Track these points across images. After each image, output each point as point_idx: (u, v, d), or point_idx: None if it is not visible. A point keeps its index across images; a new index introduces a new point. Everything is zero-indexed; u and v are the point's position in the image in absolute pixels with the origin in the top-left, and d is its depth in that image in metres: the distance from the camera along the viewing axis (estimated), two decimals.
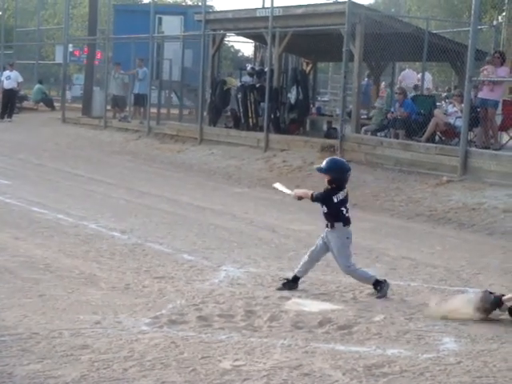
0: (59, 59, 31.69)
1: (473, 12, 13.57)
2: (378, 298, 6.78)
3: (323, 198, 6.84)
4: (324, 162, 6.96)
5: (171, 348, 5.30)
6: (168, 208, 11.58)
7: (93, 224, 9.89)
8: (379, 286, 6.87)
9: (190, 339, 5.50)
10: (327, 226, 6.89)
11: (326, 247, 6.92)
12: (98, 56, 29.96)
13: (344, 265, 6.88)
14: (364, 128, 16.72)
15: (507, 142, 15.77)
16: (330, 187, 6.86)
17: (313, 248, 7.02)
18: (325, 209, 6.85)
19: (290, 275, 7.16)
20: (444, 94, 20.76)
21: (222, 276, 7.47)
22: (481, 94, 14.54)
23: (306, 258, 7.02)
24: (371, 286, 6.92)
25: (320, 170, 6.97)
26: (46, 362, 4.92)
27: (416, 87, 20.06)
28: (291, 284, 7.00)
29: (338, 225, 6.82)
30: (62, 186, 13.60)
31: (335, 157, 7.14)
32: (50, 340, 5.33)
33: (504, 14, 27.03)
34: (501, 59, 14.60)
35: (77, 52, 34.55)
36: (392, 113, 16.19)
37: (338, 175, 6.82)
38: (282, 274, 7.39)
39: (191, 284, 7.10)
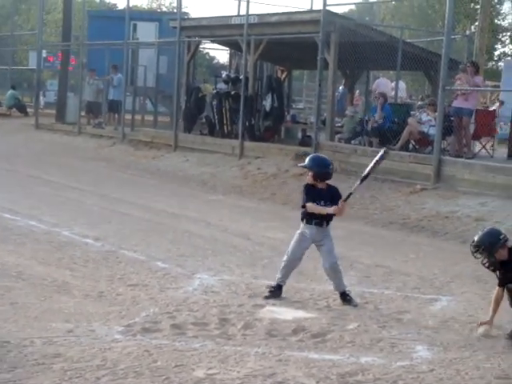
0: (33, 65, 31.45)
1: (446, 22, 13.70)
2: (354, 306, 6.83)
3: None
4: (307, 159, 7.11)
5: (144, 356, 5.27)
6: (142, 215, 11.54)
7: (66, 231, 9.82)
8: (348, 296, 6.94)
9: (163, 347, 5.48)
10: (321, 225, 6.93)
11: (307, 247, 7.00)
12: (72, 62, 29.82)
13: (335, 260, 6.95)
14: (337, 136, 16.79)
15: (479, 150, 15.92)
16: (310, 184, 6.94)
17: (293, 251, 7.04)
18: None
19: (266, 283, 7.18)
20: (418, 103, 20.88)
21: (196, 284, 7.45)
22: (455, 103, 14.67)
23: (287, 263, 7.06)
24: (338, 293, 6.99)
25: (304, 166, 7.11)
26: (18, 371, 4.86)
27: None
28: (277, 292, 7.03)
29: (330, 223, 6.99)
30: (35, 192, 13.49)
31: (317, 153, 7.31)
32: (21, 348, 5.27)
33: (477, 23, 27.29)
34: (474, 69, 14.75)
35: (51, 58, 34.35)
36: (373, 118, 16.17)
37: (320, 169, 6.95)
38: (256, 282, 7.38)
39: (165, 292, 7.07)
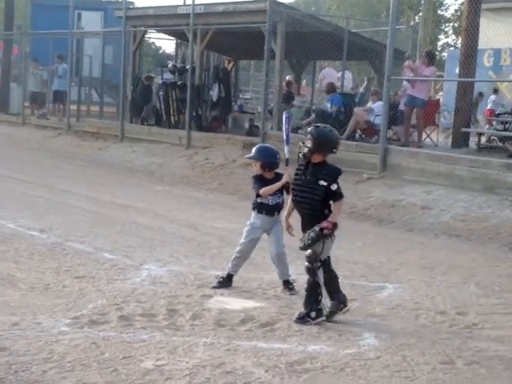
0: None
1: (391, 12, 13.83)
2: (292, 294, 6.89)
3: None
4: (253, 150, 7.13)
5: (92, 349, 5.23)
6: (89, 206, 11.42)
7: (11, 223, 9.67)
8: (291, 284, 7.00)
9: (111, 339, 5.44)
10: (272, 214, 6.98)
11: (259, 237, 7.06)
12: (15, 52, 29.29)
13: (282, 249, 7.00)
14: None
15: (425, 139, 16.12)
16: (258, 174, 6.99)
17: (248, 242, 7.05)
18: (281, 199, 6.97)
19: (214, 273, 7.18)
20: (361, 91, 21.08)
21: (144, 275, 7.41)
22: (411, 91, 14.80)
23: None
24: (283, 282, 7.04)
25: (251, 157, 7.12)
26: None
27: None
28: (227, 282, 7.05)
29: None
30: None
31: (262, 144, 7.37)
32: None
33: (420, 14, 27.61)
34: (429, 59, 14.94)
35: None
36: (330, 108, 16.23)
37: (267, 159, 6.99)
38: (205, 273, 7.38)
39: (112, 283, 7.02)
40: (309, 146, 6.14)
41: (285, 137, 7.12)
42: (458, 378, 5.04)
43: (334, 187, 6.07)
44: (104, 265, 7.72)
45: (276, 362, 5.14)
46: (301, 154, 6.23)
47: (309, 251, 6.12)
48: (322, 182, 6.08)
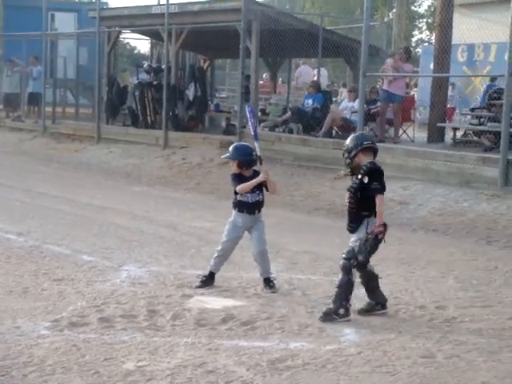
0: None
1: (365, 9, 13.87)
2: (272, 292, 6.89)
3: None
4: (230, 150, 7.13)
5: (72, 351, 5.20)
6: (66, 209, 11.36)
7: None
8: (272, 282, 7.01)
9: (91, 341, 5.42)
10: (253, 212, 6.99)
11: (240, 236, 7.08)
12: None
13: (264, 246, 7.01)
14: (262, 124, 16.84)
15: (401, 134, 16.20)
16: (237, 173, 7.00)
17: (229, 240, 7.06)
18: (261, 197, 6.99)
19: (194, 273, 7.19)
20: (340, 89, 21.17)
21: (124, 276, 7.38)
22: (387, 88, 14.84)
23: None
24: (264, 279, 7.04)
25: (228, 157, 7.13)
26: None
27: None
28: (209, 281, 7.05)
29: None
30: None
31: (238, 142, 7.41)
32: None
33: (394, 10, 27.75)
34: (406, 55, 15.02)
35: None
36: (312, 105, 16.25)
37: (244, 157, 6.99)
38: (184, 272, 7.37)
39: (92, 285, 6.99)
40: (345, 156, 6.28)
41: (252, 132, 7.15)
42: (439, 372, 5.07)
43: (365, 180, 6.15)
44: (83, 267, 7.69)
45: (257, 361, 5.14)
46: (348, 170, 6.40)
47: (348, 248, 6.19)
48: (359, 176, 6.21)
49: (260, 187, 6.97)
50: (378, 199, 6.14)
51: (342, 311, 6.13)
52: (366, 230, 6.13)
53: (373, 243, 6.12)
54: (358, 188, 6.20)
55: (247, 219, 7.01)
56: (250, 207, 6.99)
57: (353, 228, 6.25)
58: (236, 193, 7.00)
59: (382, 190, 6.19)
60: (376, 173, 6.20)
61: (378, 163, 6.33)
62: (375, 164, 6.27)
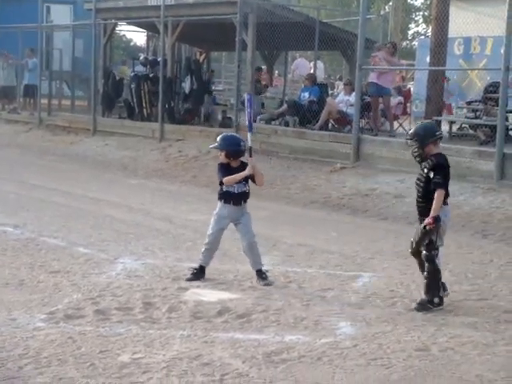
0: None
1: (361, 2, 13.86)
2: (265, 285, 6.89)
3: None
4: (218, 140, 7.11)
5: (68, 343, 5.21)
6: (62, 201, 11.35)
7: None
8: (264, 274, 7.02)
9: (87, 334, 5.42)
10: (239, 203, 7.00)
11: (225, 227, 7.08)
12: None
13: (253, 238, 7.01)
14: (258, 117, 16.82)
15: (397, 128, 16.20)
16: (224, 163, 7.00)
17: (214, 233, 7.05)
18: (247, 188, 6.99)
19: (190, 266, 7.20)
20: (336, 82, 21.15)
21: (119, 268, 7.39)
22: (377, 81, 14.82)
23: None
24: (256, 271, 7.05)
25: (216, 147, 7.12)
26: None
27: None
28: (200, 274, 7.05)
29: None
30: None
31: (226, 133, 7.43)
32: None
33: (390, 3, 27.71)
34: (393, 49, 15.01)
35: None
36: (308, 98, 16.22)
37: (232, 148, 7.00)
38: (180, 265, 7.38)
39: (88, 277, 6.99)
40: (415, 147, 6.39)
41: (247, 122, 7.14)
42: (434, 365, 5.09)
43: (431, 174, 6.27)
44: (78, 259, 7.69)
45: (253, 353, 5.15)
46: (417, 160, 6.48)
47: (426, 240, 6.29)
48: (425, 170, 6.32)
49: (246, 179, 6.97)
50: (438, 193, 6.22)
51: (436, 300, 6.28)
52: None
53: (422, 236, 6.29)
54: (425, 181, 6.33)
55: (233, 210, 7.00)
56: (235, 198, 6.99)
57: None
58: (222, 183, 7.00)
59: (443, 185, 6.26)
60: (441, 167, 6.31)
61: (444, 156, 6.43)
62: (441, 157, 6.38)
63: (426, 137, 6.38)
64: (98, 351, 5.08)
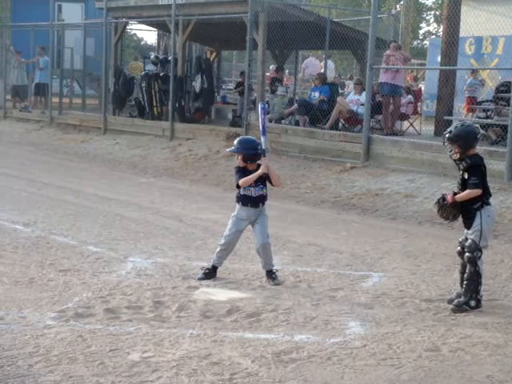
0: None
1: (372, 1, 13.83)
2: (275, 285, 6.89)
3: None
4: (235, 143, 7.11)
5: (78, 342, 5.22)
6: (72, 199, 11.38)
7: None
8: (274, 274, 7.01)
9: (97, 332, 5.43)
10: (257, 206, 7.00)
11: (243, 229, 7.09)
12: None
13: (267, 239, 7.00)
14: (268, 116, 16.80)
15: (407, 128, 16.17)
16: (241, 166, 7.00)
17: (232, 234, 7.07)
18: (265, 191, 7.01)
19: (200, 264, 7.20)
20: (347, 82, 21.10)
21: (129, 267, 7.40)
22: (391, 81, 14.78)
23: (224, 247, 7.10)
24: (267, 272, 7.04)
25: (233, 151, 7.12)
26: None
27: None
28: (212, 274, 7.05)
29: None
30: None
31: (244, 136, 7.37)
32: None
33: (402, 2, 27.63)
34: (398, 47, 14.98)
35: None
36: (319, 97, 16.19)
37: (249, 152, 6.99)
38: (190, 264, 7.38)
39: (98, 276, 7.00)
40: (456, 151, 6.35)
41: (261, 128, 7.14)
42: (444, 365, 5.07)
43: (466, 176, 6.28)
44: (89, 258, 7.70)
45: (262, 353, 5.15)
46: (456, 163, 6.42)
47: (469, 241, 6.28)
48: (460, 172, 6.34)
49: (263, 181, 6.97)
50: (469, 189, 6.24)
51: (473, 303, 6.27)
52: (481, 221, 6.24)
53: (438, 206, 6.40)
54: (461, 183, 6.33)
55: (251, 213, 7.01)
56: (253, 201, 6.99)
57: (468, 224, 6.33)
58: (238, 186, 7.00)
59: (476, 186, 6.24)
60: (476, 168, 6.29)
61: (480, 156, 6.43)
62: (477, 158, 6.36)
63: (468, 139, 6.34)
64: (107, 350, 5.09)
